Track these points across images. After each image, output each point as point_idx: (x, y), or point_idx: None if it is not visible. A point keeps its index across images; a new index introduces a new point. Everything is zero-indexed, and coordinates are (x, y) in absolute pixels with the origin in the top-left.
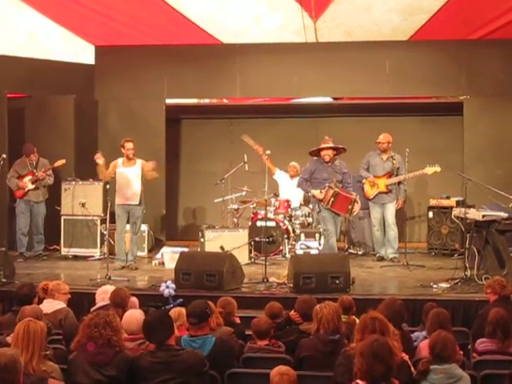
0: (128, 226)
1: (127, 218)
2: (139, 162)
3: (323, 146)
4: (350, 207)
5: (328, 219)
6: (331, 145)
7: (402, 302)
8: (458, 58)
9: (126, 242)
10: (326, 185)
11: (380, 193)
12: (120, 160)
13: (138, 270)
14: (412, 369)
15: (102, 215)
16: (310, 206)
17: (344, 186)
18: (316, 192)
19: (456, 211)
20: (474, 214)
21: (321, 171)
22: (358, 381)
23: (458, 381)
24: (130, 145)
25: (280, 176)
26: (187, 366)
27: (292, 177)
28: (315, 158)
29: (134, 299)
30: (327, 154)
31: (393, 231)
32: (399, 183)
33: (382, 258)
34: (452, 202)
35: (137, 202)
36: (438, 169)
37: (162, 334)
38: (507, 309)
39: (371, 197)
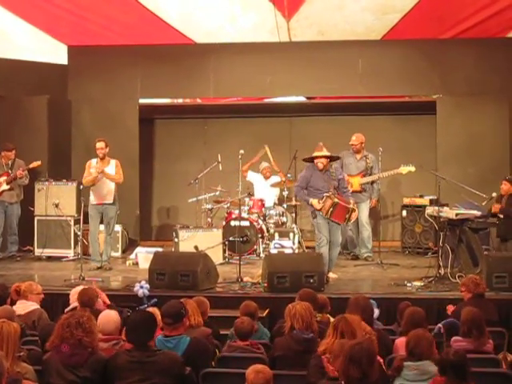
0: (102, 227)
1: (100, 218)
2: (113, 161)
3: (316, 154)
4: (347, 216)
5: (322, 226)
6: (325, 153)
7: (365, 297)
8: (431, 56)
9: (100, 242)
10: (324, 195)
11: (354, 192)
12: (94, 160)
13: (112, 271)
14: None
15: (76, 216)
16: (284, 205)
17: (340, 192)
18: (314, 202)
19: (429, 210)
20: (448, 213)
21: (317, 179)
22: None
23: (431, 377)
24: (99, 144)
25: (253, 177)
26: (162, 368)
27: (266, 178)
28: (309, 165)
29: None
30: (320, 162)
31: (367, 231)
32: (373, 182)
33: (356, 257)
34: (425, 200)
35: (111, 201)
36: (412, 168)
37: (144, 335)
38: (481, 306)
39: None
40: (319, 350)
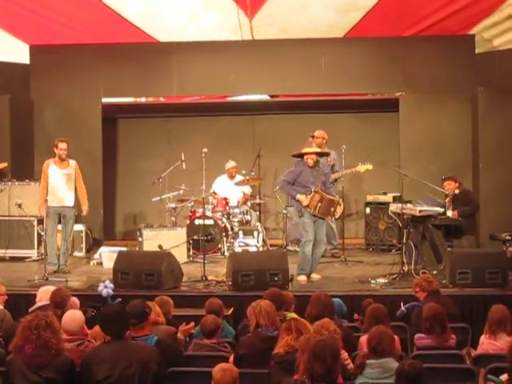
0: (60, 227)
1: (58, 219)
2: (72, 162)
3: (306, 150)
4: (332, 210)
5: (309, 225)
6: (315, 149)
7: (326, 294)
8: (393, 54)
9: (58, 244)
10: (312, 189)
11: None
12: (51, 161)
13: (76, 270)
14: (351, 365)
15: (39, 216)
16: (249, 203)
17: (326, 187)
18: (302, 197)
19: (393, 207)
20: (411, 210)
21: (307, 175)
22: (304, 376)
23: (394, 375)
24: (63, 145)
25: (218, 183)
26: (141, 356)
27: (232, 177)
28: (299, 160)
29: (75, 299)
30: (310, 159)
31: (331, 228)
32: (335, 180)
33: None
34: (389, 197)
35: (69, 204)
36: (369, 167)
37: (119, 327)
38: (439, 302)
39: None
40: (277, 351)
